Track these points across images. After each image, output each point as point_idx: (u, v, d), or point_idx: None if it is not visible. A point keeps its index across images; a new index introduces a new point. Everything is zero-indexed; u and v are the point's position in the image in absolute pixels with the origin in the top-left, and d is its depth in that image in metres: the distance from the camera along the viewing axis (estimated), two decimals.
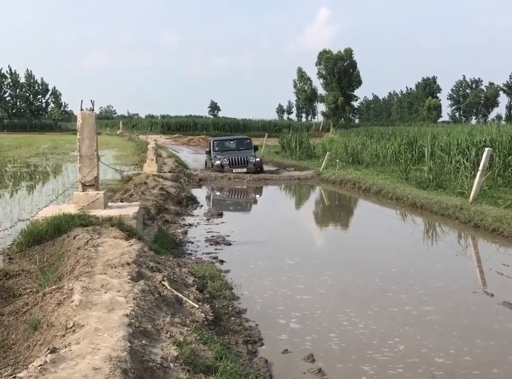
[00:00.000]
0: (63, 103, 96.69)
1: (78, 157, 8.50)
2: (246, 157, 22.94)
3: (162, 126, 77.46)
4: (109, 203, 9.13)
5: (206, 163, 25.86)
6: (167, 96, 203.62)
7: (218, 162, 22.96)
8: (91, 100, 8.52)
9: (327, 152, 25.06)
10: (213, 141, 25.52)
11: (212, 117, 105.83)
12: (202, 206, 14.50)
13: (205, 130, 72.26)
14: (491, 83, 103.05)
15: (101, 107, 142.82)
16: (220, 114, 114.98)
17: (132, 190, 12.81)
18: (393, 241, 10.90)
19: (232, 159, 22.76)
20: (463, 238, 11.48)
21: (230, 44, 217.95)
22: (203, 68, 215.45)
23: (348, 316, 5.92)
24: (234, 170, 22.06)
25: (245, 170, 22.19)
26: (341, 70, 71.55)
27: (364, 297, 6.77)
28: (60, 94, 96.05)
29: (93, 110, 8.50)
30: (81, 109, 8.51)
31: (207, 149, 25.57)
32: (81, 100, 8.62)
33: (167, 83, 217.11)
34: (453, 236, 11.66)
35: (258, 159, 23.33)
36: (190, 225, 11.36)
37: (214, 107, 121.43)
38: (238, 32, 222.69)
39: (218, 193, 19.44)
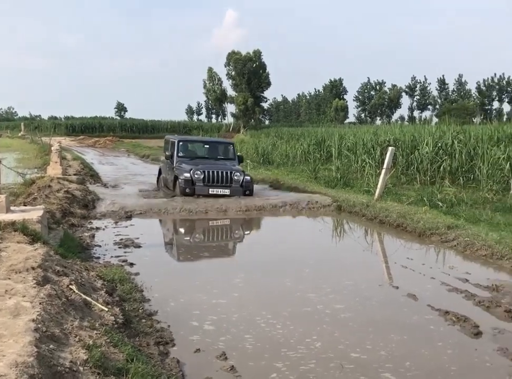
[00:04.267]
0: None
1: None
2: (230, 173, 14.86)
3: (66, 127, 75.31)
4: (12, 208, 8.80)
5: (159, 175, 17.65)
6: (71, 97, 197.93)
7: (186, 175, 14.60)
8: None
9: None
10: (178, 142, 16.35)
11: (119, 118, 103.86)
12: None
13: (111, 132, 70.79)
14: (394, 85, 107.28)
15: (1, 109, 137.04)
16: (127, 115, 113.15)
17: (36, 194, 12.37)
18: (303, 240, 11.12)
19: (208, 173, 14.66)
20: (369, 234, 11.90)
21: (137, 44, 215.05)
22: (108, 69, 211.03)
23: (265, 318, 5.94)
24: (210, 191, 14.51)
25: (227, 192, 14.60)
26: (250, 71, 72.15)
27: (278, 298, 6.83)
28: None
29: None
30: None
31: (167, 153, 16.47)
32: None
33: (70, 84, 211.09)
34: (360, 232, 12.05)
35: (248, 177, 15.16)
36: (97, 228, 11.10)
37: (121, 108, 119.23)
38: (145, 32, 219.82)
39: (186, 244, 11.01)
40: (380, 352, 5.09)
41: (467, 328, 5.72)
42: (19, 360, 3.17)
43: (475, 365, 4.86)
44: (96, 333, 4.26)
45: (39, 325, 3.80)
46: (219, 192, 14.50)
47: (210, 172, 14.64)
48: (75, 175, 18.87)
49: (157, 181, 17.81)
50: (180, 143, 16.38)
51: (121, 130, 74.79)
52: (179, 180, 14.66)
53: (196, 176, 14.53)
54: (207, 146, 17.05)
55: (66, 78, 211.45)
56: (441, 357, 5.01)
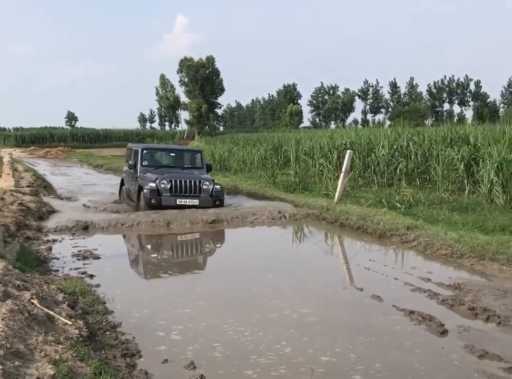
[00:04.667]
0: None
1: None
2: (199, 182, 13.98)
3: (16, 138, 73.83)
4: None
5: (122, 186, 16.61)
6: (19, 108, 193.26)
7: (152, 185, 13.62)
8: None
9: None
10: (142, 150, 15.40)
11: (70, 127, 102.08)
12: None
13: (62, 142, 69.73)
14: (347, 89, 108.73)
15: None
16: (78, 124, 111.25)
17: None
18: (265, 246, 11.10)
19: (176, 182, 13.74)
20: (330, 238, 11.96)
21: (86, 52, 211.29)
22: (58, 77, 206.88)
23: (233, 326, 5.86)
24: (178, 201, 13.63)
25: (196, 202, 13.76)
26: (203, 77, 72.07)
27: (244, 305, 6.77)
28: None
29: None
30: None
31: (130, 162, 15.38)
32: None
33: (18, 94, 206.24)
34: (321, 236, 12.10)
35: (218, 187, 14.31)
36: (54, 241, 10.81)
37: (71, 118, 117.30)
38: (95, 40, 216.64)
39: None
40: (350, 355, 5.08)
41: (433, 327, 5.76)
42: None
43: (443, 364, 4.89)
44: (61, 348, 4.13)
45: (3, 342, 3.69)
46: (187, 203, 13.63)
47: (178, 181, 13.70)
48: (27, 186, 18.46)
49: (119, 192, 16.78)
50: (145, 151, 15.44)
51: (72, 140, 73.67)
52: (144, 190, 13.65)
53: (162, 185, 13.57)
54: (173, 154, 16.23)
55: (13, 88, 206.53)
56: (410, 357, 5.03)
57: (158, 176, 13.85)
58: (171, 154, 16.34)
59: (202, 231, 12.19)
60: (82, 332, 4.89)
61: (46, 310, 4.95)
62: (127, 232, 12.03)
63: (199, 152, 16.45)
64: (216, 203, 13.98)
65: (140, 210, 13.60)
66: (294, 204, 14.46)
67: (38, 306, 4.93)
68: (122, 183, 16.54)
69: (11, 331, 3.98)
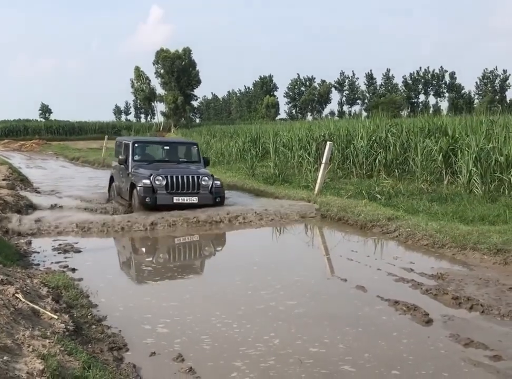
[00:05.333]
0: None
1: None
2: (197, 177, 12.71)
3: None
4: None
5: (111, 183, 15.34)
6: None
7: (146, 182, 12.35)
8: None
9: None
10: (133, 144, 14.09)
11: (44, 120, 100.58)
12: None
13: (37, 135, 68.33)
14: (323, 81, 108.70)
15: None
16: (52, 117, 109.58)
17: None
18: (247, 238, 11.10)
19: (172, 178, 12.45)
20: (310, 230, 11.98)
21: (58, 44, 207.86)
22: (30, 70, 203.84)
23: (220, 318, 5.86)
24: (175, 199, 12.37)
25: (195, 200, 12.49)
26: (179, 69, 71.48)
27: (230, 298, 6.77)
28: None
29: None
30: None
31: (120, 157, 14.15)
32: None
33: None
34: (302, 228, 12.12)
35: (218, 182, 13.04)
36: (33, 234, 10.71)
37: (45, 110, 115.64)
38: (69, 31, 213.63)
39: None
40: (338, 345, 5.11)
41: (418, 317, 5.81)
42: None
43: (430, 353, 4.93)
44: (49, 342, 4.09)
45: None
46: (185, 201, 12.37)
47: (174, 177, 12.41)
48: (3, 180, 18.20)
49: (109, 190, 15.47)
50: (136, 145, 14.09)
51: (47, 132, 72.40)
52: (137, 188, 12.33)
53: (157, 182, 12.26)
54: (167, 148, 14.75)
55: None
56: (398, 346, 5.08)
57: (152, 171, 12.57)
58: (165, 147, 14.85)
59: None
60: (68, 327, 4.85)
61: (31, 304, 4.89)
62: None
63: (195, 144, 15.09)
64: (217, 200, 12.77)
65: (134, 210, 12.52)
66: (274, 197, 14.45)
67: (23, 300, 4.88)
68: (112, 180, 15.24)
69: None
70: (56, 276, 7.04)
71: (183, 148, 15.12)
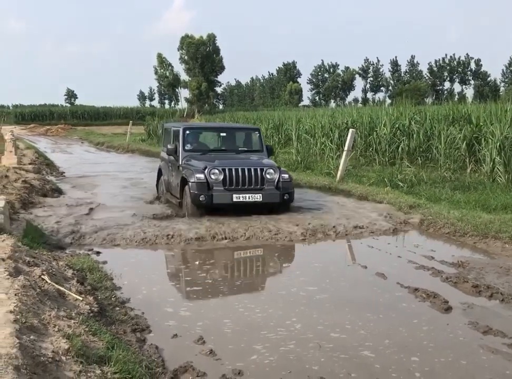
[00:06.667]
0: None
1: None
2: (260, 170, 10.68)
3: (16, 116, 73.68)
4: None
5: (159, 177, 13.35)
6: (19, 85, 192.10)
7: (199, 176, 10.39)
8: None
9: None
10: (184, 131, 11.92)
11: (69, 105, 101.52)
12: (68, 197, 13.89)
13: (62, 120, 69.26)
14: (347, 68, 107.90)
15: None
16: (77, 102, 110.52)
17: None
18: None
19: (231, 171, 10.48)
20: None
21: (85, 29, 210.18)
22: (56, 54, 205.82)
23: (243, 303, 5.96)
24: (235, 197, 10.31)
25: (259, 197, 10.40)
26: (203, 55, 71.56)
27: (253, 283, 6.93)
28: None
29: None
30: None
31: (169, 146, 11.89)
32: None
33: (17, 71, 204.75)
34: None
35: (286, 175, 10.92)
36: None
37: (71, 95, 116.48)
38: (94, 17, 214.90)
39: None
40: (360, 331, 5.16)
41: (437, 304, 5.83)
42: (2, 352, 3.12)
43: (449, 340, 4.96)
44: (73, 323, 4.20)
45: (18, 316, 3.75)
46: (247, 199, 10.32)
47: (233, 170, 10.44)
48: (30, 164, 18.52)
49: (157, 185, 13.53)
50: (187, 132, 11.98)
51: (72, 117, 73.29)
52: (189, 184, 10.37)
53: (213, 176, 10.34)
54: (224, 134, 12.64)
55: (12, 65, 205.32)
56: (417, 333, 5.11)
57: (207, 164, 10.63)
58: (221, 134, 12.74)
59: None
60: (92, 308, 4.96)
61: (57, 286, 5.01)
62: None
63: (257, 130, 12.90)
64: (285, 197, 10.63)
65: (185, 211, 10.72)
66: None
67: (49, 281, 5.00)
68: (160, 173, 13.28)
69: (24, 306, 4.04)
70: (81, 259, 7.19)
71: (242, 134, 13.03)
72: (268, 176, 10.57)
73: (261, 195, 10.37)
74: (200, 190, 10.23)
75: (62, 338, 3.77)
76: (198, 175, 10.34)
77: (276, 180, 10.62)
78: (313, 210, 11.14)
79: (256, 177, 10.48)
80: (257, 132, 12.53)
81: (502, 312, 5.69)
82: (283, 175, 10.75)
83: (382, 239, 9.02)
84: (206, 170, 10.39)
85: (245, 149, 12.24)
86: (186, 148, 11.62)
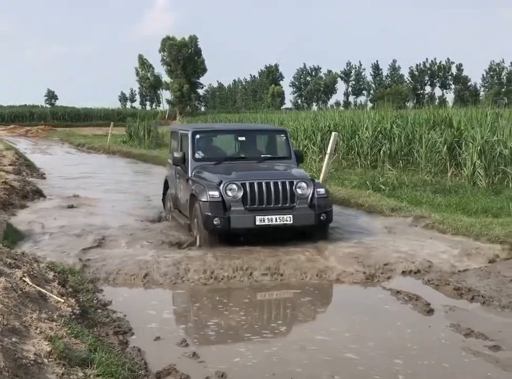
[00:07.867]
0: None
1: None
2: (290, 183, 8.27)
3: None
4: None
5: (166, 190, 10.85)
6: None
7: (213, 194, 8.00)
8: None
9: None
10: (193, 135, 9.37)
11: (50, 106, 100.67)
12: (50, 199, 13.76)
13: (42, 120, 68.43)
14: (329, 71, 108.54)
15: None
16: (58, 103, 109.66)
17: None
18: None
19: (252, 186, 8.10)
20: None
21: (67, 30, 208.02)
22: (37, 55, 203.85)
23: (227, 306, 5.98)
24: (258, 220, 7.92)
25: (289, 220, 8.03)
26: (185, 57, 71.47)
27: (238, 287, 6.87)
28: None
29: None
30: None
31: (176, 154, 9.50)
32: None
33: None
34: None
35: (321, 190, 8.49)
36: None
37: (51, 96, 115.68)
38: (76, 18, 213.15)
39: None
40: (345, 333, 5.18)
41: (419, 306, 5.87)
42: None
43: (431, 342, 5.00)
44: (55, 325, 4.18)
45: (0, 318, 3.70)
46: (274, 222, 8.01)
47: (256, 184, 8.12)
48: (10, 165, 18.34)
49: (163, 199, 11.07)
50: (197, 136, 9.45)
51: (52, 118, 72.46)
52: (200, 203, 8.11)
53: (230, 193, 8.05)
54: (243, 139, 9.98)
55: None
56: (400, 335, 5.15)
57: (223, 177, 8.33)
58: (239, 138, 10.08)
59: None
60: (74, 310, 4.93)
61: (38, 288, 4.97)
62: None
63: (283, 132, 10.23)
64: (321, 218, 8.26)
65: (195, 236, 8.45)
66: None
67: (30, 283, 4.95)
68: (166, 185, 10.84)
69: (6, 308, 4.01)
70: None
71: (265, 138, 10.53)
72: (299, 191, 8.27)
73: (291, 216, 8.07)
74: (215, 211, 7.93)
75: (44, 340, 3.76)
76: (211, 192, 8.05)
77: (309, 197, 8.32)
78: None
79: (284, 193, 8.18)
80: (283, 135, 9.97)
81: (483, 314, 5.73)
82: (318, 189, 8.41)
83: None
84: (222, 185, 8.09)
85: (269, 156, 9.77)
86: (196, 156, 9.23)
